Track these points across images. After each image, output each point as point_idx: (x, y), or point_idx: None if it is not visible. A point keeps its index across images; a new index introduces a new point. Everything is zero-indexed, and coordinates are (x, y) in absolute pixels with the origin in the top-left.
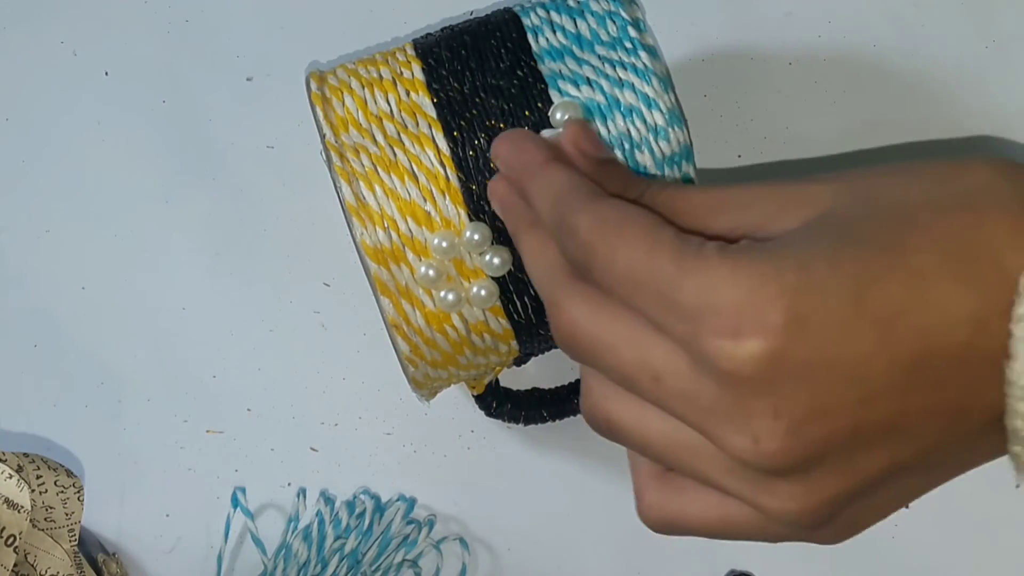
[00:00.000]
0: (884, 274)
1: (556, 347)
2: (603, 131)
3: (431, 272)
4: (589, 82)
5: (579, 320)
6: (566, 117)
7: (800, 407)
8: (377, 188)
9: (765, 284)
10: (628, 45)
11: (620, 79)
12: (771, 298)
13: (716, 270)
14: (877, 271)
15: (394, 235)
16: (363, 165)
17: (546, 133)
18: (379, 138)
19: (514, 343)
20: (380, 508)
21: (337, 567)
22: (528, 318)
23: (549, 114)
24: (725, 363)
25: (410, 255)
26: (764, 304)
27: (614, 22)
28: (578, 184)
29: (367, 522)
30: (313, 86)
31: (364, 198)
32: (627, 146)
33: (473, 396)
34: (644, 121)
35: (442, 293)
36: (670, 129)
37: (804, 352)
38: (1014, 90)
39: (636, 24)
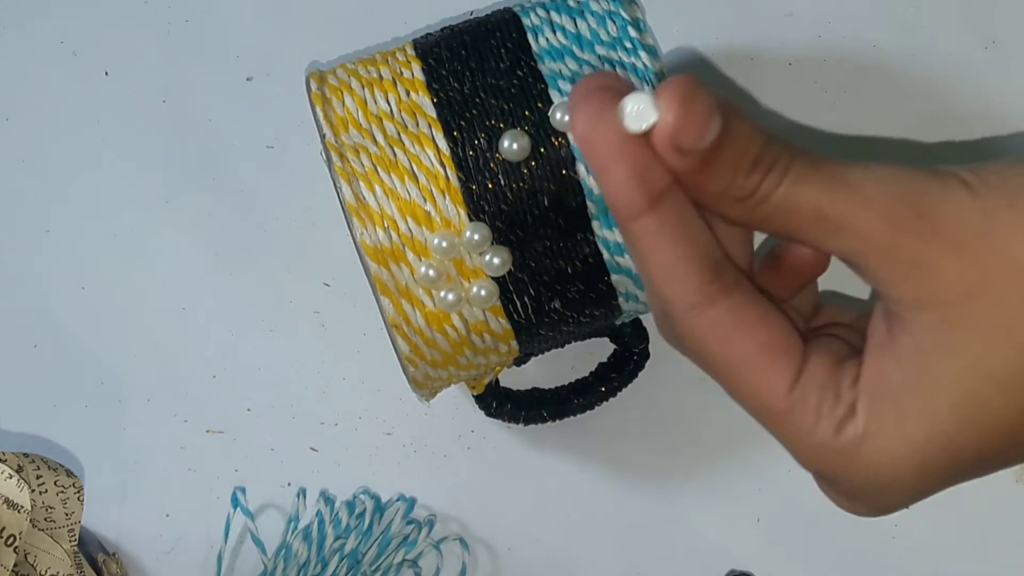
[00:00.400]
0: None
1: (556, 347)
2: None
3: (431, 272)
4: None
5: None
6: (566, 118)
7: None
8: (377, 188)
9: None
10: (628, 45)
11: None
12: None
13: (832, 453)
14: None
15: (394, 235)
16: (363, 165)
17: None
18: (379, 138)
19: (514, 343)
20: (380, 508)
21: (337, 567)
22: (528, 318)
23: (549, 114)
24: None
25: (410, 255)
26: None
27: (614, 22)
28: (678, 271)
29: (367, 522)
30: (313, 86)
31: (364, 198)
32: None
33: (473, 396)
34: None
35: (442, 293)
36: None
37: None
38: (1014, 90)
39: (636, 24)
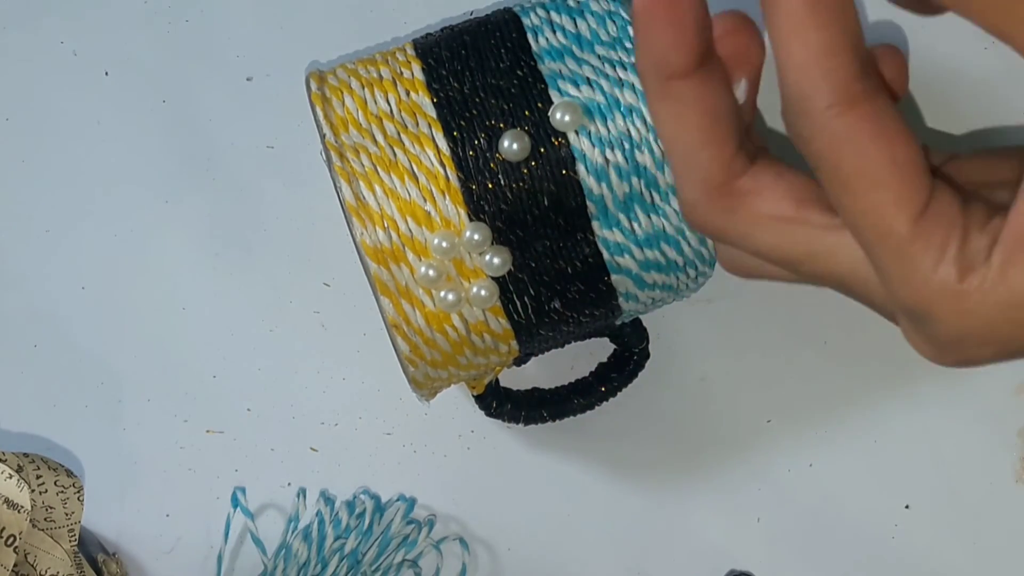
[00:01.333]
0: None
1: (556, 347)
2: (603, 131)
3: (431, 272)
4: (589, 82)
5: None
6: (566, 118)
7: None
8: (377, 188)
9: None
10: (628, 45)
11: (620, 79)
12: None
13: (945, 296)
14: None
15: (394, 235)
16: (363, 165)
17: None
18: (379, 138)
19: (514, 343)
20: (380, 508)
21: (337, 567)
22: (528, 318)
23: (549, 114)
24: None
25: (410, 255)
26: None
27: (614, 22)
28: (826, 63)
29: (367, 522)
30: (313, 86)
31: (364, 198)
32: (627, 146)
33: (473, 396)
34: (644, 121)
35: (442, 293)
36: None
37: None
38: (1014, 90)
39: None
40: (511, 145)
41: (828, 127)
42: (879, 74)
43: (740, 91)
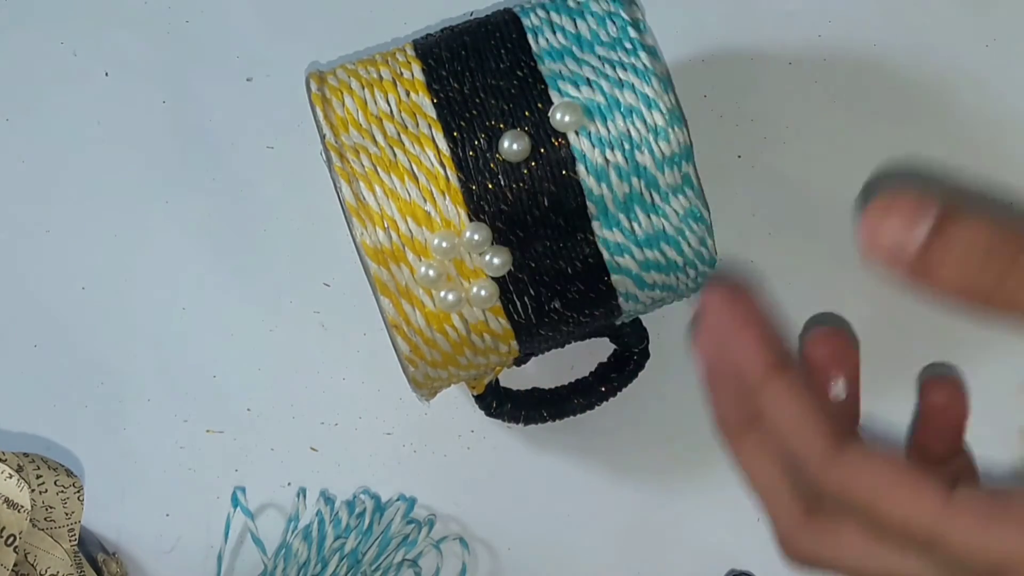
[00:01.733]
0: None
1: (556, 347)
2: (603, 131)
3: (431, 272)
4: (589, 82)
5: (819, 550)
6: (566, 119)
7: None
8: (377, 188)
9: None
10: (628, 46)
11: (620, 79)
12: None
13: (988, 518)
14: None
15: (394, 235)
16: (363, 165)
17: None
18: (379, 138)
19: (514, 343)
20: (380, 508)
21: (337, 567)
22: (528, 318)
23: (549, 115)
24: None
25: (410, 255)
26: None
27: (614, 23)
28: (816, 416)
29: (367, 522)
30: (313, 87)
31: (364, 198)
32: (627, 146)
33: (473, 396)
34: (644, 121)
35: (442, 293)
36: (670, 129)
37: None
38: (1014, 90)
39: (636, 24)
40: (511, 145)
41: (833, 471)
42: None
43: (839, 388)
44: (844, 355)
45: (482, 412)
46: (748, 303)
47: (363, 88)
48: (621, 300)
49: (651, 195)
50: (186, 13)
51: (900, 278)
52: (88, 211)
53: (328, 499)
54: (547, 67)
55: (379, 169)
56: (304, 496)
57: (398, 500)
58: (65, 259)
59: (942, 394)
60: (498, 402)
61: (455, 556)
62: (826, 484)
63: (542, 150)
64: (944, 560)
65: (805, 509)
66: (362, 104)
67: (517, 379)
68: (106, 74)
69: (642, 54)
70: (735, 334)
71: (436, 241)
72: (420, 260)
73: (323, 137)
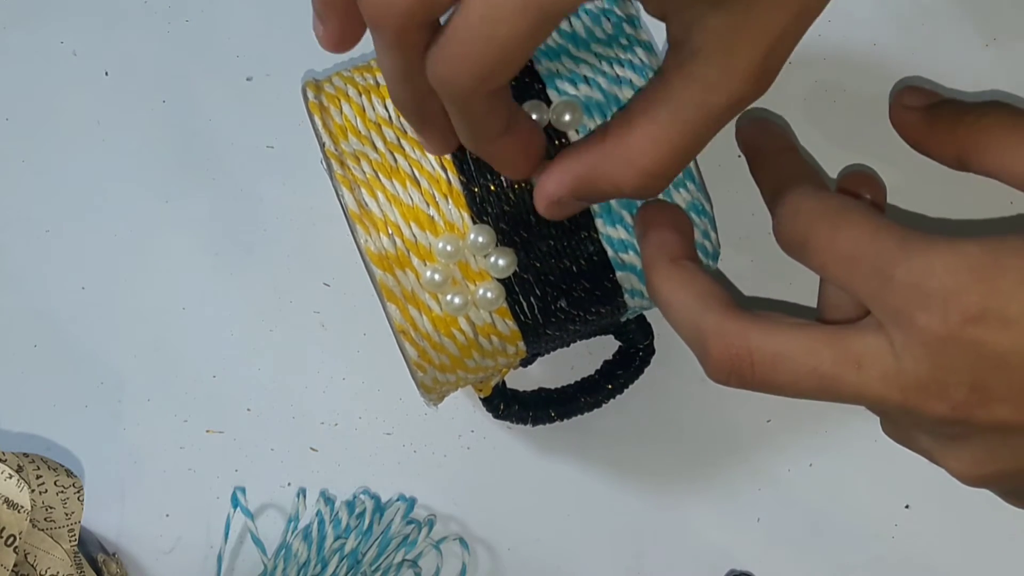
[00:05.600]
0: None
1: (562, 346)
2: None
3: (437, 276)
4: (587, 80)
5: (762, 343)
6: (566, 117)
7: (992, 387)
8: (379, 194)
9: (983, 275)
10: (624, 42)
11: (618, 76)
12: (985, 290)
13: (938, 254)
14: None
15: (398, 241)
16: (364, 172)
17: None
18: (379, 144)
19: (521, 344)
20: (380, 508)
21: (337, 567)
22: (535, 318)
23: (549, 114)
24: (931, 340)
25: (415, 260)
26: (978, 293)
27: (608, 19)
28: (808, 176)
29: (367, 522)
30: (310, 95)
31: (367, 205)
32: None
33: (480, 399)
34: None
35: (448, 297)
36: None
37: (1004, 341)
38: (1015, 89)
39: (631, 21)
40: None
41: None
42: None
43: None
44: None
45: (485, 413)
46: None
47: (360, 94)
48: (626, 296)
49: None
50: (186, 13)
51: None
52: (88, 211)
53: (328, 499)
54: (544, 66)
55: (380, 175)
56: (304, 496)
57: (398, 500)
58: (65, 259)
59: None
60: (505, 404)
61: (455, 556)
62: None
63: None
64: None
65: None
66: (360, 111)
67: (522, 380)
68: (106, 74)
69: (638, 50)
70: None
71: (440, 245)
72: (425, 265)
73: (323, 145)
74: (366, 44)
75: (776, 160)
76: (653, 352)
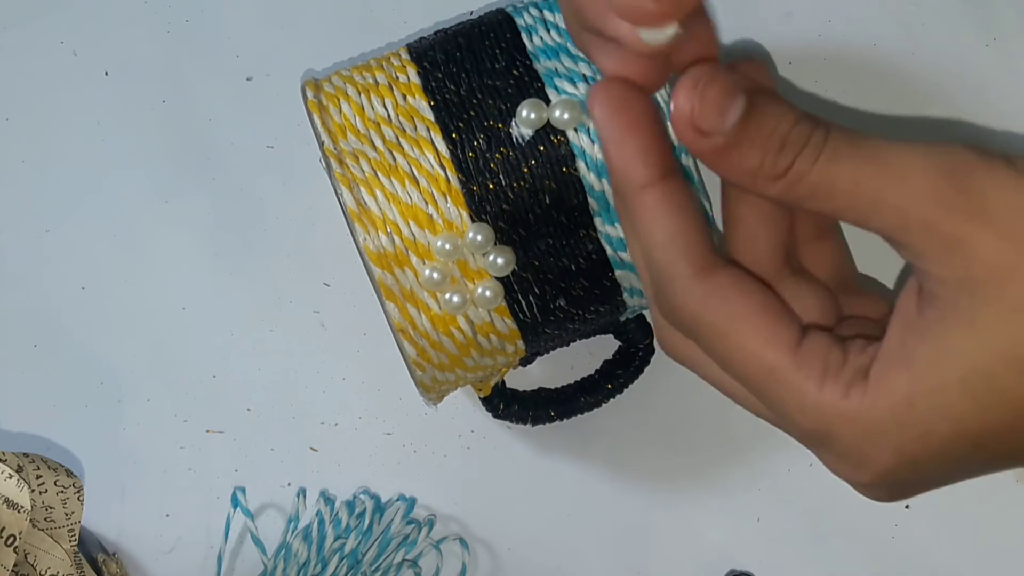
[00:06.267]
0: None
1: (561, 345)
2: None
3: (435, 275)
4: (585, 79)
5: (676, 353)
6: (565, 116)
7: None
8: (378, 193)
9: (881, 441)
10: None
11: None
12: (888, 459)
13: (836, 413)
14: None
15: (397, 239)
16: (363, 171)
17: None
18: (378, 143)
19: (520, 343)
20: (380, 508)
21: (337, 567)
22: (534, 317)
23: (548, 112)
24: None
25: (414, 259)
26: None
27: None
28: (679, 244)
29: (367, 522)
30: (309, 94)
31: (365, 203)
32: None
33: (480, 399)
34: None
35: (447, 295)
36: (667, 123)
37: (913, 476)
38: (1015, 88)
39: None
40: (528, 115)
41: (696, 291)
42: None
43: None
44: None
45: (487, 413)
46: (640, 106)
47: (359, 94)
48: (625, 295)
49: None
50: (186, 12)
51: (702, 159)
52: (88, 211)
53: (328, 499)
54: (542, 65)
55: (379, 174)
56: (304, 496)
57: (398, 500)
58: (65, 259)
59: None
60: (505, 404)
61: (455, 556)
62: (687, 301)
63: (541, 148)
64: (770, 404)
65: (665, 315)
66: (359, 110)
67: (520, 380)
68: (106, 74)
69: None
70: (617, 139)
71: (439, 243)
72: (424, 263)
73: (322, 144)
74: (366, 44)
75: (636, 210)
76: (653, 352)
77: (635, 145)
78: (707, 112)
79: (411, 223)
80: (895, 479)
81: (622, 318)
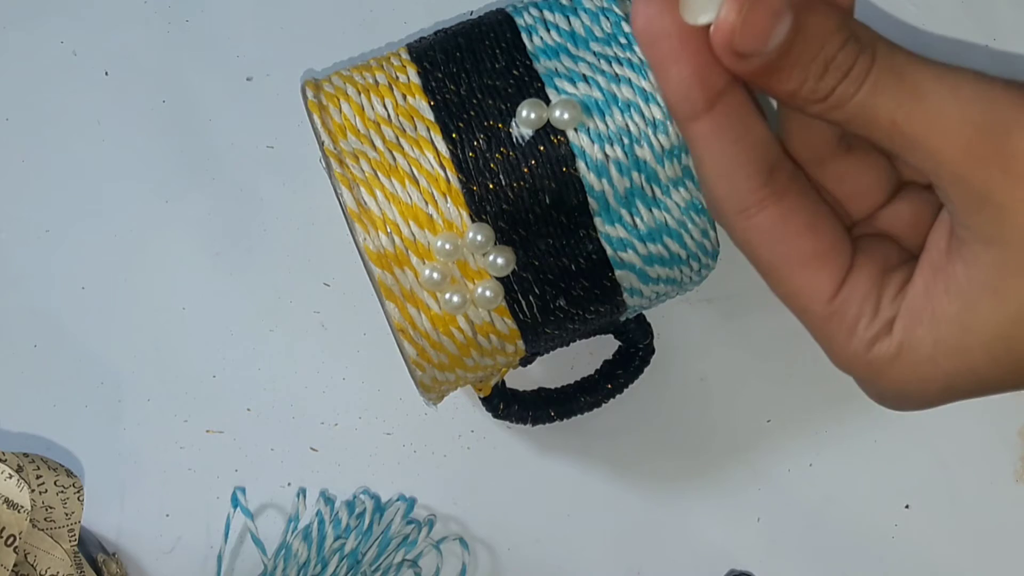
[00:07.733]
0: None
1: (561, 346)
2: (601, 127)
3: (435, 275)
4: (586, 79)
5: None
6: (565, 116)
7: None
8: (378, 193)
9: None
10: (623, 40)
11: (616, 74)
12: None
13: (862, 364)
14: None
15: (397, 239)
16: (363, 171)
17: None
18: (378, 143)
19: (520, 343)
20: (380, 508)
21: (337, 567)
22: (534, 317)
23: (548, 112)
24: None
25: (414, 259)
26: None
27: (607, 18)
28: (724, 183)
29: (367, 522)
30: (309, 94)
31: (365, 203)
32: (626, 141)
33: (480, 399)
34: (642, 115)
35: (447, 295)
36: (668, 122)
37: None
38: None
39: (630, 19)
40: (528, 114)
41: (742, 228)
42: (791, 169)
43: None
44: None
45: (487, 413)
46: (677, 31)
47: (359, 94)
48: (625, 295)
49: (652, 189)
50: (186, 13)
51: (739, 76)
52: (88, 211)
53: (328, 499)
54: (543, 65)
55: (379, 174)
56: (304, 496)
57: (398, 500)
58: (65, 259)
59: None
60: (505, 404)
61: (455, 556)
62: (733, 234)
63: (541, 148)
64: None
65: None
66: (359, 110)
67: (520, 380)
68: (106, 74)
69: (637, 48)
70: (667, 64)
71: (439, 243)
72: (424, 263)
73: (321, 144)
74: (365, 44)
75: (693, 142)
76: (653, 352)
77: (677, 76)
78: (748, 36)
79: (411, 223)
80: (921, 408)
81: (622, 318)
